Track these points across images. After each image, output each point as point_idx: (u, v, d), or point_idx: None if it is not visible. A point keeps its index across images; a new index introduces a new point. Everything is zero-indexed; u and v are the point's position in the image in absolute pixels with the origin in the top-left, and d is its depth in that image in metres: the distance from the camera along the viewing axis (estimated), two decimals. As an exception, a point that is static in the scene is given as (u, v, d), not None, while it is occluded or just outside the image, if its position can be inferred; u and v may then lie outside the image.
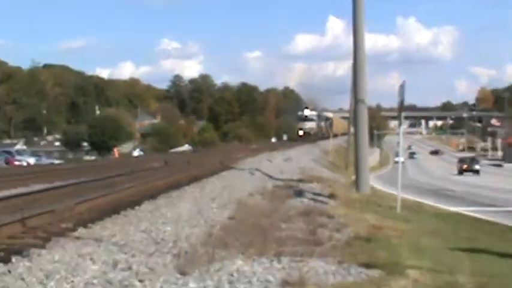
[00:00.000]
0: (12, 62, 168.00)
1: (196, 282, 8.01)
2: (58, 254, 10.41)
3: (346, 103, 72.17)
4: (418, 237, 13.72)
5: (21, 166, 59.48)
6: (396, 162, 48.67)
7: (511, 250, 12.49)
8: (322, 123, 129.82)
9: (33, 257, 10.10)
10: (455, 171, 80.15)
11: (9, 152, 70.87)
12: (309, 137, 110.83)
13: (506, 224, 19.10)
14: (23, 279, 8.84)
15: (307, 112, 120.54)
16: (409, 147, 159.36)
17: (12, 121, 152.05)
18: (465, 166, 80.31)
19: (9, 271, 9.24)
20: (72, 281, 8.76)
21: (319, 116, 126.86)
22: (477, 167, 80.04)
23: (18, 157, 67.53)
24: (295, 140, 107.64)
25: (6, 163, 62.47)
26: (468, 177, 68.43)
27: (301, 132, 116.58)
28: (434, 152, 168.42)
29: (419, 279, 8.52)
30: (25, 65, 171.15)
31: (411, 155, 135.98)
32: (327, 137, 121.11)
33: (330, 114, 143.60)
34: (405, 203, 21.52)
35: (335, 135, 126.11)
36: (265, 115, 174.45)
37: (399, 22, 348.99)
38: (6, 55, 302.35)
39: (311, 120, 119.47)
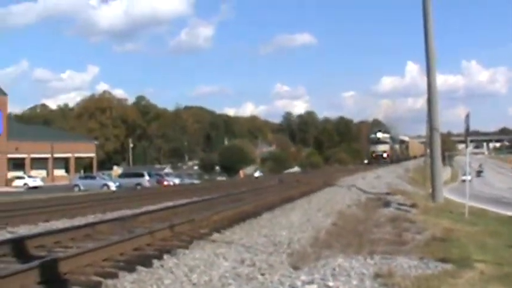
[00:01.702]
0: (160, 105, 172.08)
1: (306, 275, 8.02)
2: (198, 253, 10.58)
3: (422, 130, 70.93)
4: (482, 237, 13.40)
5: (168, 185, 60.80)
6: (463, 181, 47.01)
7: None
8: (397, 146, 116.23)
9: (179, 255, 10.31)
10: None
11: (159, 175, 72.36)
12: (382, 159, 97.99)
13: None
14: (172, 272, 9.01)
15: (379, 135, 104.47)
16: (480, 166, 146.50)
17: (161, 150, 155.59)
18: None
19: (162, 266, 9.46)
20: (210, 274, 8.88)
21: (392, 139, 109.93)
22: None
23: (166, 178, 68.92)
24: (384, 162, 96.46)
25: (158, 183, 64.01)
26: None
27: (374, 155, 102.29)
28: None
29: (484, 270, 8.38)
30: (170, 107, 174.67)
31: (478, 174, 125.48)
32: (404, 159, 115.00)
33: (406, 138, 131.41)
34: (472, 209, 20.99)
35: (414, 157, 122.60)
36: (359, 142, 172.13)
37: (464, 65, 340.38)
38: (156, 99, 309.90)
39: (384, 143, 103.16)
